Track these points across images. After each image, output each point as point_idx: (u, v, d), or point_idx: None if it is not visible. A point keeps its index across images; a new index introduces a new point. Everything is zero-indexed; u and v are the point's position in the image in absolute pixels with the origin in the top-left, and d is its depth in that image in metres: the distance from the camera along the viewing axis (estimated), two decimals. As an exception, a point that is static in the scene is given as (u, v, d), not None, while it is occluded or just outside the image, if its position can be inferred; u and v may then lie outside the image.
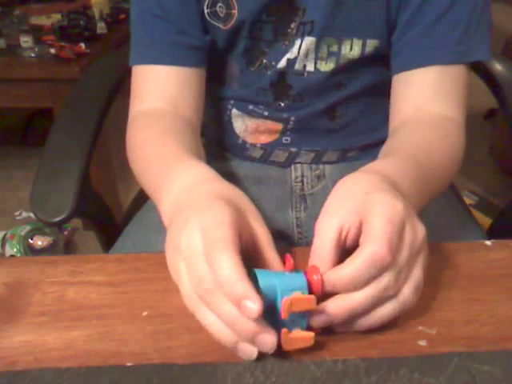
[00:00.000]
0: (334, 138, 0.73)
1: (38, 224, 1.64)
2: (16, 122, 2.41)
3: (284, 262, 0.41)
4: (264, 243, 0.42)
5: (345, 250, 0.41)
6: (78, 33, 1.64)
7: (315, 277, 0.38)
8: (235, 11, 0.63)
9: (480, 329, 0.41)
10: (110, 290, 0.46)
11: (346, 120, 0.72)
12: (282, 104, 0.69)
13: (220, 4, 0.64)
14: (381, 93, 0.69)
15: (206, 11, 0.65)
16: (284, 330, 0.37)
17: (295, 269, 0.40)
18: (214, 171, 0.48)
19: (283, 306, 0.36)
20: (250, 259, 0.41)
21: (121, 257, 0.50)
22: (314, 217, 0.41)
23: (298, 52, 0.65)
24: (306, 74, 0.66)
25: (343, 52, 0.64)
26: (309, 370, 0.37)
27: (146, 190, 0.57)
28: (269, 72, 0.67)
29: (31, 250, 1.63)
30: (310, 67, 0.66)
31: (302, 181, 0.74)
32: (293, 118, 0.70)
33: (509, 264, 0.48)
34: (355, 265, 0.37)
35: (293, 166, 0.75)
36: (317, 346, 0.39)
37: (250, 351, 0.37)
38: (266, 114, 0.71)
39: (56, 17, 1.77)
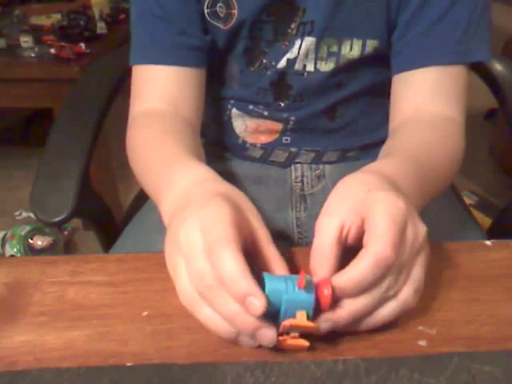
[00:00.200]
0: (334, 137, 0.73)
1: (38, 224, 1.64)
2: (16, 122, 2.42)
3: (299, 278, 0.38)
4: (264, 241, 0.42)
5: (345, 250, 0.40)
6: (78, 33, 1.64)
7: (326, 291, 0.36)
8: (235, 11, 0.63)
9: (480, 329, 0.41)
10: (109, 290, 0.45)
11: (346, 120, 0.72)
12: (282, 104, 0.69)
13: (220, 4, 0.64)
14: (381, 93, 0.69)
15: (206, 11, 0.65)
16: (280, 339, 0.37)
17: (308, 280, 0.37)
18: (213, 172, 0.48)
19: (283, 327, 0.36)
20: (250, 257, 0.41)
21: (121, 257, 0.50)
22: (314, 217, 0.41)
23: (298, 52, 0.65)
24: (305, 74, 0.66)
25: (343, 52, 0.64)
26: (309, 369, 0.37)
27: (147, 190, 0.57)
28: (269, 72, 0.67)
29: (31, 250, 1.63)
30: (310, 67, 0.66)
31: (302, 181, 0.74)
32: (293, 118, 0.70)
33: (509, 264, 0.48)
34: (362, 267, 0.37)
35: (293, 166, 0.75)
36: (317, 346, 0.39)
37: (250, 343, 0.38)
38: (265, 113, 0.71)
39: (56, 17, 1.78)
